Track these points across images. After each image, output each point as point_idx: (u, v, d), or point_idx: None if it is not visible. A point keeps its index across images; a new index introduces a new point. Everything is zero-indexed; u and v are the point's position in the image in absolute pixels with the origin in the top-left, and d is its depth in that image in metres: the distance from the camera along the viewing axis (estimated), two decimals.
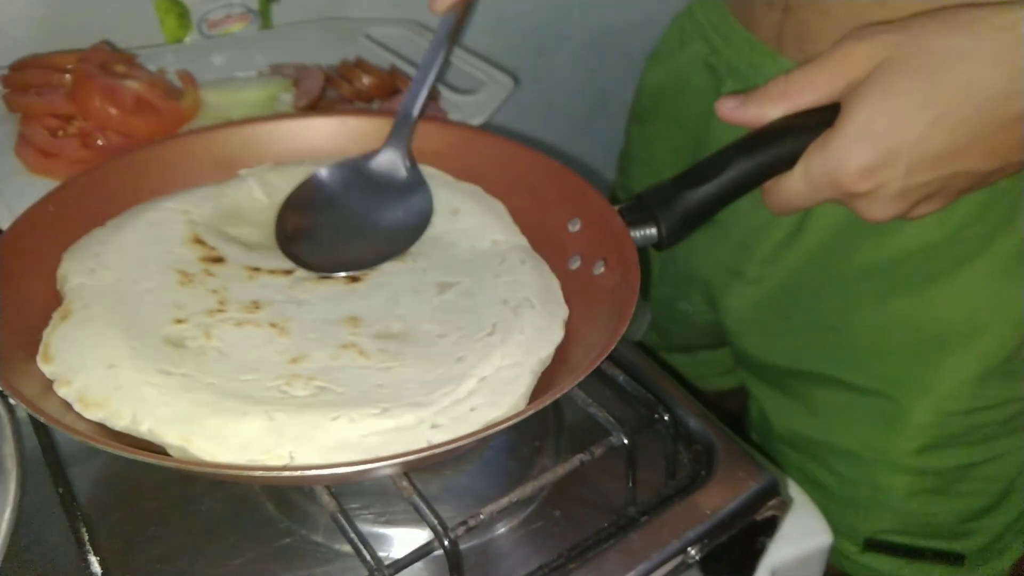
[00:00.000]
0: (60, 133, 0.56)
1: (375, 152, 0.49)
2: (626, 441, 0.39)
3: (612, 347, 0.36)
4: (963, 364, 0.53)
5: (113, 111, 0.56)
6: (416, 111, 0.49)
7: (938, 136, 0.41)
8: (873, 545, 0.59)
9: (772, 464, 0.44)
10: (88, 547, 0.34)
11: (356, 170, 0.48)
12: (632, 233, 0.42)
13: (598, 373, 0.43)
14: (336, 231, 0.46)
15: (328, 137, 0.51)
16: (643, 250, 0.43)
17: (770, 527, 0.43)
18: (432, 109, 0.63)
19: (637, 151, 0.74)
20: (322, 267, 0.44)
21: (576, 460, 0.39)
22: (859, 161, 0.41)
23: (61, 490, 0.35)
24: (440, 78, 0.66)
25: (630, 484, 0.40)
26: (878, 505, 0.58)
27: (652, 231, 0.43)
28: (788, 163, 0.43)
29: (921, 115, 0.41)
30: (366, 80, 0.64)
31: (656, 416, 0.41)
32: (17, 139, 0.56)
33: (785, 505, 0.43)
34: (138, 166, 0.47)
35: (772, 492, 0.42)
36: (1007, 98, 0.40)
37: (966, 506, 0.58)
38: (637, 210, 0.43)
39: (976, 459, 0.56)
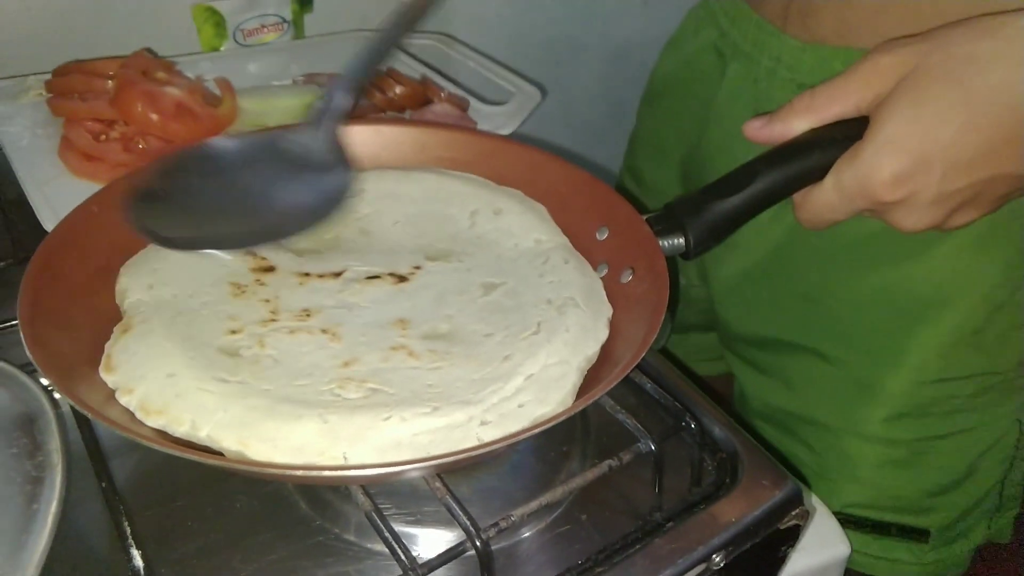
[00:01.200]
0: (102, 137, 0.57)
1: (292, 128, 0.45)
2: (653, 448, 0.40)
3: (642, 356, 0.37)
4: (933, 335, 0.55)
5: (154, 116, 0.57)
6: (341, 95, 0.45)
7: (971, 139, 0.41)
8: (843, 521, 0.58)
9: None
10: (130, 540, 0.35)
11: (260, 144, 0.44)
12: (660, 242, 0.43)
13: (626, 381, 0.43)
14: (212, 204, 0.42)
15: (361, 145, 0.51)
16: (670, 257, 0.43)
17: (792, 536, 0.44)
18: (462, 119, 0.64)
19: (645, 133, 0.76)
20: (180, 244, 0.41)
21: (604, 466, 0.39)
22: (891, 169, 0.41)
23: (104, 484, 0.37)
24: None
25: (656, 490, 0.41)
26: (848, 477, 0.59)
27: (680, 241, 0.44)
28: (815, 176, 0.44)
29: (952, 119, 0.41)
30: (398, 90, 0.65)
31: (683, 424, 0.42)
32: (61, 142, 0.57)
33: (808, 515, 0.44)
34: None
35: (796, 501, 0.43)
36: None
37: (931, 480, 0.59)
38: (665, 219, 0.44)
39: (942, 431, 0.57)
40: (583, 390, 0.39)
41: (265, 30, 0.76)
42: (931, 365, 0.55)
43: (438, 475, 0.37)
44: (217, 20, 0.74)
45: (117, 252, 0.44)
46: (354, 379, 0.38)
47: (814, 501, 0.50)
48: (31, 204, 0.52)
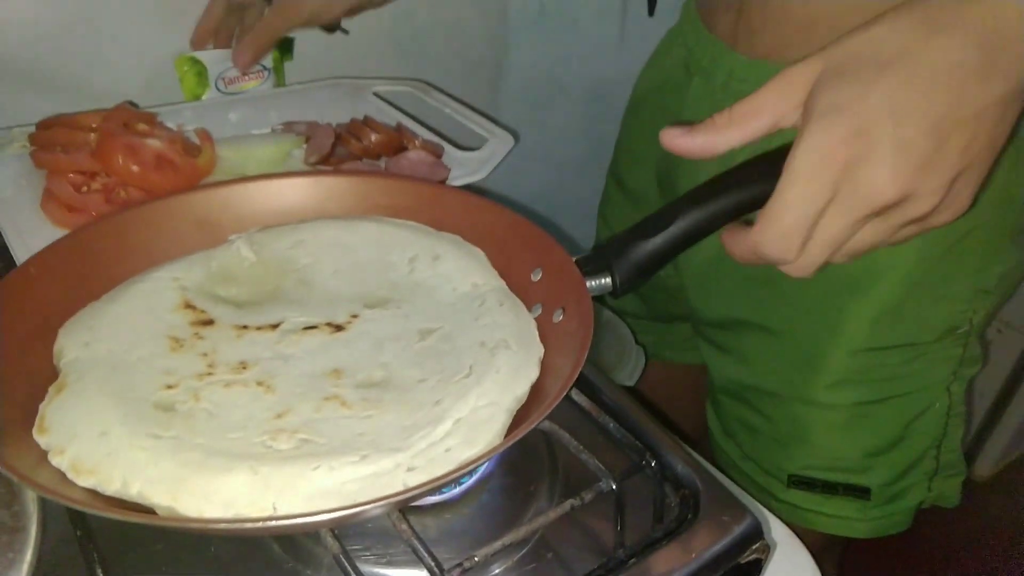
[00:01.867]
0: (84, 188, 0.58)
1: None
2: (614, 487, 0.41)
3: (565, 393, 0.38)
4: (862, 309, 0.61)
5: (135, 168, 0.59)
6: None
7: (914, 85, 0.38)
8: (796, 483, 0.67)
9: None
10: None
11: None
12: (588, 283, 0.45)
13: (590, 421, 0.45)
14: None
15: (303, 196, 0.54)
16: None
17: (755, 570, 0.45)
18: (436, 166, 0.66)
19: (626, 141, 0.84)
20: None
21: (567, 505, 0.41)
22: (836, 133, 0.39)
23: (79, 532, 0.38)
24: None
25: (618, 528, 0.42)
26: (798, 441, 0.67)
27: (607, 280, 0.46)
28: (735, 215, 0.46)
29: (882, 81, 0.39)
30: (374, 138, 0.67)
31: (643, 462, 0.44)
32: (43, 194, 0.58)
33: (769, 548, 0.45)
34: (119, 228, 0.49)
35: (756, 535, 0.44)
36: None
37: (869, 442, 0.65)
38: (594, 261, 0.46)
39: (877, 396, 0.64)
40: (514, 430, 0.39)
41: (246, 78, 0.78)
42: (862, 336, 0.61)
43: (404, 517, 0.38)
44: (199, 70, 0.76)
45: (55, 313, 0.44)
46: (286, 430, 0.39)
47: (785, 534, 0.51)
48: (12, 255, 0.54)
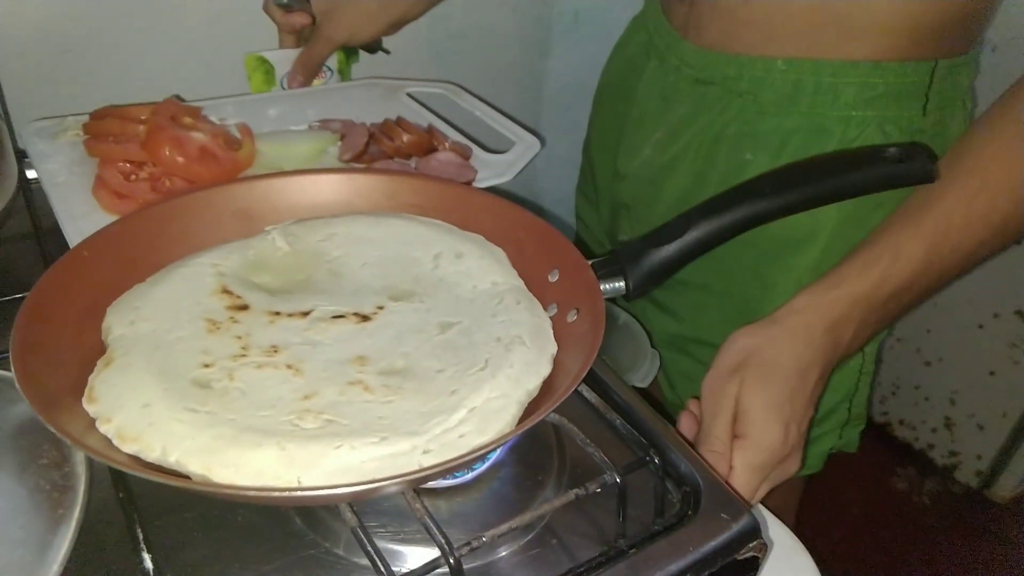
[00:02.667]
0: (132, 177, 0.62)
1: None
2: (618, 480, 0.43)
3: (573, 389, 0.40)
4: (791, 269, 0.69)
5: (180, 159, 0.62)
6: None
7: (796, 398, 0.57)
8: None
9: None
10: (142, 544, 0.39)
11: None
12: (602, 285, 0.47)
13: (598, 416, 0.47)
14: None
15: (336, 192, 0.56)
16: None
17: (752, 567, 0.47)
18: (463, 167, 0.69)
19: (595, 120, 0.90)
20: None
21: (572, 494, 0.43)
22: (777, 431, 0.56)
23: (121, 494, 0.41)
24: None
25: (620, 519, 0.44)
26: None
27: (620, 284, 0.48)
28: (743, 227, 0.48)
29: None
30: (405, 138, 0.70)
31: (647, 458, 0.46)
32: (95, 181, 0.62)
33: (765, 548, 0.47)
34: (165, 215, 0.53)
35: (753, 534, 0.46)
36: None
37: None
38: (609, 264, 0.49)
39: None
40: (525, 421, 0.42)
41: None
42: (788, 294, 0.64)
43: (419, 497, 0.41)
44: (267, 68, 0.80)
45: (104, 292, 0.48)
46: (312, 411, 0.41)
47: (785, 535, 0.53)
48: (65, 237, 0.58)
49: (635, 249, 0.49)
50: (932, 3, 0.62)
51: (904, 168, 0.54)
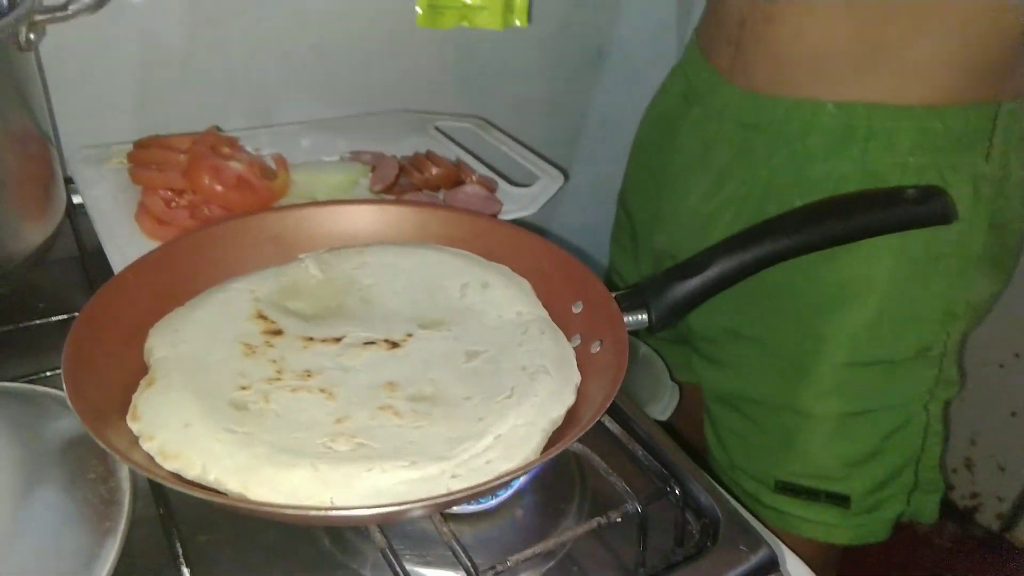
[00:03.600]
0: (173, 204, 0.65)
1: None
2: (639, 509, 0.44)
3: (597, 419, 0.41)
4: (840, 325, 0.67)
5: (219, 188, 0.65)
6: None
7: None
8: (782, 488, 0.71)
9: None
10: (181, 559, 0.41)
11: None
12: (625, 318, 0.48)
13: (620, 447, 0.49)
14: None
15: (368, 222, 0.59)
16: None
17: None
18: (489, 200, 0.71)
19: (633, 171, 0.90)
20: None
21: (594, 522, 0.44)
22: None
23: (162, 510, 0.43)
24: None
25: (641, 548, 0.45)
26: (785, 448, 0.71)
27: (643, 317, 0.49)
28: (765, 263, 0.49)
29: None
30: (434, 171, 0.72)
31: (668, 489, 0.47)
32: (138, 207, 0.65)
33: None
34: (204, 242, 0.55)
35: (771, 566, 0.47)
36: None
37: (849, 452, 0.70)
38: (632, 297, 0.50)
39: (856, 409, 0.69)
40: (549, 448, 0.43)
41: None
42: (843, 350, 0.67)
43: (445, 521, 0.42)
44: None
45: (147, 315, 0.50)
46: (345, 434, 0.43)
47: (802, 569, 0.54)
48: (110, 262, 0.60)
49: (658, 283, 0.50)
50: (994, 39, 0.60)
51: (923, 209, 0.55)
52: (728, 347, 0.75)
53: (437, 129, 0.84)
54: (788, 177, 0.67)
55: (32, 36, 0.52)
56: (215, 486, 0.40)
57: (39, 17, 0.53)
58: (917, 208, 0.54)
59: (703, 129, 0.74)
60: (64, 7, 0.55)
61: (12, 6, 0.55)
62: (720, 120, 0.72)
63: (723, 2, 0.73)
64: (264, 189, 0.68)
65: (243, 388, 0.46)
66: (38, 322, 0.58)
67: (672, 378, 0.80)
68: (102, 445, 0.39)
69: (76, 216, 0.68)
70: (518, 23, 0.86)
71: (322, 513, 0.39)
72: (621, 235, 0.93)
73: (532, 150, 0.82)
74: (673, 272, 0.50)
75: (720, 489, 0.51)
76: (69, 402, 0.40)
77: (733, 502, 0.50)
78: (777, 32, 0.66)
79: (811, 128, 0.65)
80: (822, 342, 0.68)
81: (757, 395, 0.72)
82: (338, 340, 0.50)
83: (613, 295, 0.50)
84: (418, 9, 0.83)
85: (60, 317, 0.57)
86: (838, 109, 0.64)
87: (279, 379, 0.47)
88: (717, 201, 0.72)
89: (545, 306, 0.53)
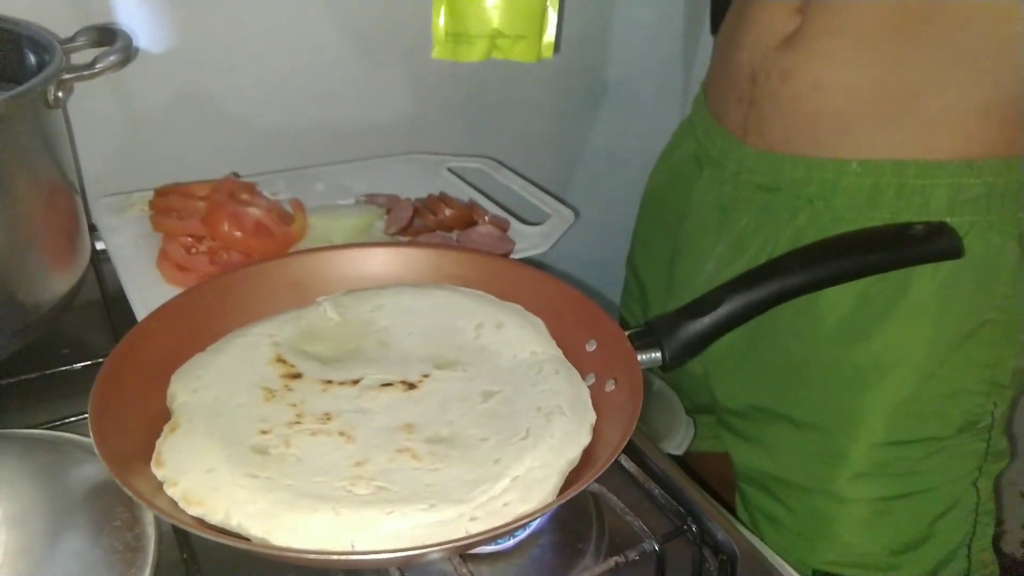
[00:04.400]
0: (193, 251, 0.66)
1: None
2: (657, 548, 0.45)
3: (614, 460, 0.42)
4: (877, 402, 0.62)
5: (238, 234, 0.66)
6: None
7: None
8: None
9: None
10: None
11: None
12: (639, 356, 0.49)
13: (637, 485, 0.49)
14: None
15: (383, 265, 0.60)
16: None
17: None
18: (502, 240, 0.72)
19: (641, 233, 0.88)
20: None
21: (612, 561, 0.44)
22: None
23: (185, 555, 0.43)
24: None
25: None
26: (821, 535, 0.66)
27: (657, 355, 0.50)
28: (777, 301, 0.50)
29: None
30: (447, 212, 0.73)
31: (685, 527, 0.47)
32: (159, 254, 0.66)
33: None
34: (224, 288, 0.56)
35: None
36: None
37: (893, 538, 0.65)
38: (645, 336, 0.50)
39: (899, 492, 0.64)
40: (566, 488, 0.44)
41: None
42: (879, 430, 0.62)
43: (464, 563, 0.43)
44: None
45: (169, 361, 0.51)
46: (364, 477, 0.44)
47: None
48: (132, 307, 0.61)
49: (670, 321, 0.51)
50: None
51: (931, 246, 0.55)
52: (757, 424, 0.70)
53: (449, 170, 0.86)
54: (812, 240, 0.61)
55: (60, 94, 0.54)
56: (238, 531, 0.41)
57: (67, 76, 0.55)
58: (925, 244, 0.55)
59: (718, 192, 0.70)
60: (91, 65, 0.57)
61: (40, 65, 0.57)
62: (735, 182, 0.68)
63: (731, 56, 0.69)
64: (282, 234, 0.69)
65: (264, 432, 0.47)
66: (62, 369, 0.59)
67: (687, 412, 0.80)
68: (127, 492, 0.39)
69: (99, 262, 0.69)
70: (546, 56, 0.78)
71: (344, 557, 0.39)
72: (631, 302, 0.90)
73: (541, 187, 0.83)
74: (685, 311, 0.51)
75: (738, 526, 0.51)
76: (96, 449, 0.41)
77: (751, 538, 0.50)
78: (793, 87, 0.62)
79: (835, 189, 0.61)
80: (857, 420, 0.63)
81: (788, 477, 0.68)
82: (356, 382, 0.51)
83: (626, 333, 0.50)
84: (435, 42, 0.76)
85: (84, 363, 0.59)
86: (863, 167, 0.60)
87: (299, 423, 0.48)
88: (737, 267, 0.67)
89: (559, 345, 0.54)
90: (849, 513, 0.64)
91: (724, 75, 0.70)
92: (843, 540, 0.65)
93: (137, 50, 0.74)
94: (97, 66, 0.57)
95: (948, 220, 0.58)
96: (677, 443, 0.75)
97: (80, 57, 0.61)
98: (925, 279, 0.60)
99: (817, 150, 0.62)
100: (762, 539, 0.70)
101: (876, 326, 0.61)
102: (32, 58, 0.59)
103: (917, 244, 0.55)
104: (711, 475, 0.88)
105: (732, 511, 0.73)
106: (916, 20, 0.57)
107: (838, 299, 0.62)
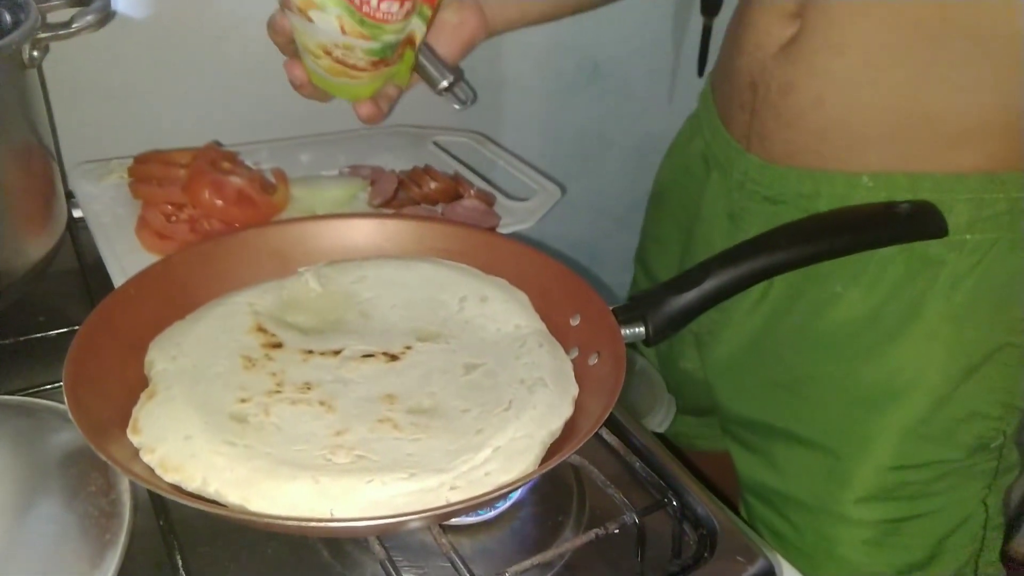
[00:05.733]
0: (173, 219, 0.65)
1: None
2: (637, 521, 0.45)
3: (595, 431, 0.42)
4: (887, 425, 0.60)
5: (219, 202, 0.65)
6: None
7: None
8: None
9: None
10: (181, 571, 0.41)
11: None
12: (623, 331, 0.49)
13: (618, 458, 0.49)
14: None
15: (367, 236, 0.59)
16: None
17: None
18: (487, 214, 0.71)
19: (652, 229, 0.85)
20: None
21: (592, 534, 0.45)
22: None
23: (161, 522, 0.43)
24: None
25: (638, 559, 0.46)
26: (825, 554, 0.64)
27: (640, 329, 0.50)
28: (762, 276, 0.50)
29: None
30: (433, 185, 0.73)
31: (665, 500, 0.47)
32: (138, 221, 0.65)
33: None
34: (204, 256, 0.55)
35: None
36: None
37: (900, 559, 0.63)
38: (629, 310, 0.50)
39: (907, 514, 0.62)
40: (547, 460, 0.43)
41: None
42: (888, 453, 0.60)
43: (444, 533, 0.43)
44: None
45: (147, 328, 0.50)
46: (344, 446, 0.43)
47: None
48: (109, 274, 0.60)
49: (655, 296, 0.51)
50: None
51: (916, 224, 0.54)
52: (761, 437, 0.68)
53: (435, 144, 0.85)
54: None
55: (36, 53, 0.53)
56: (216, 498, 0.41)
57: (43, 35, 0.54)
58: (911, 223, 0.55)
59: (727, 199, 0.67)
60: (67, 24, 0.56)
61: (16, 23, 0.55)
62: (741, 191, 0.65)
63: (733, 59, 0.65)
64: (264, 203, 0.68)
65: (243, 401, 0.46)
66: (38, 336, 0.58)
67: (669, 390, 0.80)
68: (103, 458, 0.39)
69: (76, 230, 0.68)
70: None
71: (322, 524, 0.39)
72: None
73: (529, 164, 0.83)
74: (669, 285, 0.51)
75: (717, 500, 0.52)
76: (70, 415, 0.40)
77: (730, 513, 0.51)
78: (795, 102, 0.58)
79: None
80: (865, 443, 0.60)
81: (793, 494, 0.65)
82: (337, 353, 0.51)
83: (611, 308, 0.50)
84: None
85: (60, 331, 0.58)
86: (875, 181, 0.56)
87: (279, 392, 0.47)
88: None
89: (543, 319, 0.53)
90: (855, 534, 0.63)
91: (727, 78, 0.67)
92: (848, 560, 0.63)
93: (115, 13, 0.72)
94: (74, 25, 0.56)
95: (968, 237, 0.55)
96: (659, 421, 0.75)
97: (57, 17, 0.59)
98: (940, 301, 0.57)
99: (824, 163, 0.58)
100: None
101: (886, 346, 0.59)
102: (7, 16, 0.57)
103: (903, 223, 0.54)
104: (718, 475, 0.87)
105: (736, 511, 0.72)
106: (930, 42, 0.52)
107: (845, 316, 0.60)
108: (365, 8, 0.52)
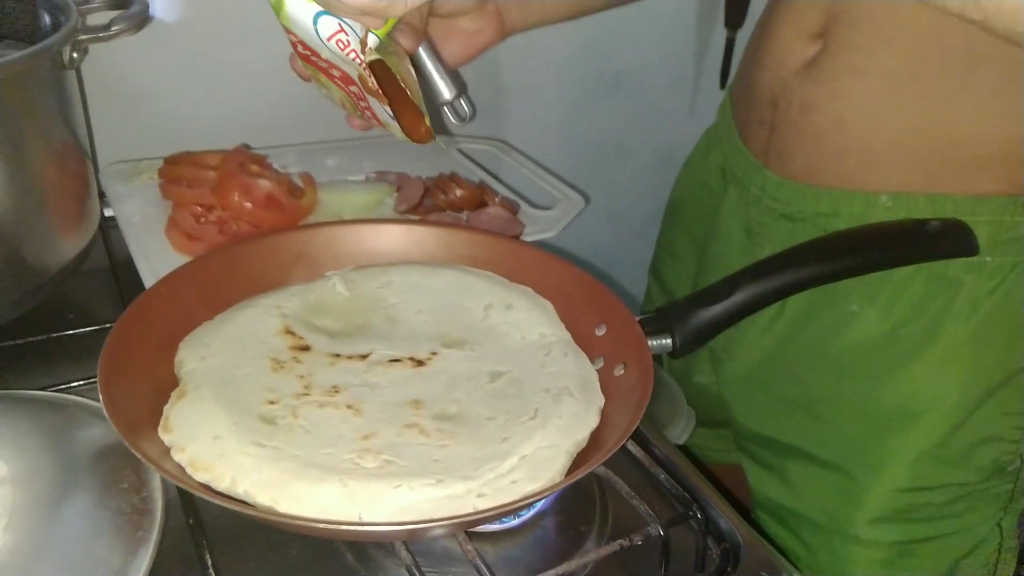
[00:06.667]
0: (202, 220, 0.66)
1: None
2: (662, 532, 0.45)
3: (623, 443, 0.42)
4: (903, 447, 0.60)
5: (248, 205, 0.66)
6: None
7: None
8: None
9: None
10: (211, 569, 0.41)
11: None
12: (650, 342, 0.49)
13: (642, 470, 0.49)
14: None
15: (394, 242, 0.60)
16: None
17: None
18: (512, 222, 0.72)
19: (666, 240, 0.85)
20: None
21: (616, 544, 0.45)
22: None
23: (191, 520, 0.43)
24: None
25: (662, 571, 0.46)
26: (837, 575, 0.64)
27: (667, 341, 0.50)
28: (789, 291, 0.50)
29: None
30: (458, 192, 0.73)
31: (690, 513, 0.47)
32: (168, 222, 0.66)
33: None
34: (234, 257, 0.56)
35: None
36: None
37: None
38: (656, 322, 0.50)
39: (921, 536, 0.62)
40: (572, 470, 0.44)
41: None
42: (903, 476, 0.60)
43: (470, 540, 0.43)
44: None
45: (177, 328, 0.51)
46: (372, 451, 0.44)
47: None
48: (139, 274, 0.61)
49: (682, 308, 0.51)
50: None
51: (947, 243, 0.54)
52: (778, 457, 0.68)
53: (460, 151, 0.86)
54: None
55: (75, 55, 0.54)
56: (244, 498, 0.41)
57: (83, 37, 0.54)
58: (940, 241, 0.54)
59: (744, 214, 0.67)
60: (107, 27, 0.57)
61: (56, 26, 0.56)
62: (758, 207, 0.65)
63: (753, 75, 0.65)
64: (292, 207, 0.69)
65: (271, 403, 0.47)
66: (68, 333, 0.59)
67: (688, 403, 0.80)
68: (136, 454, 0.39)
69: (107, 229, 0.69)
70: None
71: (352, 528, 0.39)
72: (649, 306, 0.88)
73: (552, 172, 0.83)
74: (697, 298, 0.51)
75: (739, 516, 0.52)
76: (105, 412, 0.41)
77: (752, 530, 0.51)
78: (815, 121, 0.58)
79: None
80: (880, 465, 0.60)
81: (805, 512, 0.65)
82: (364, 357, 0.51)
83: (637, 319, 0.50)
84: None
85: (90, 328, 0.59)
86: (894, 201, 0.57)
87: (307, 394, 0.48)
88: None
89: (568, 328, 0.54)
90: (868, 555, 0.62)
91: (746, 92, 0.67)
92: None
93: (152, 17, 0.73)
94: (113, 28, 0.57)
95: (988, 260, 0.55)
96: (678, 433, 0.75)
97: (96, 20, 0.60)
98: (959, 323, 0.57)
99: (843, 182, 0.58)
100: None
101: (903, 368, 0.59)
102: (47, 18, 0.58)
103: (933, 241, 0.54)
104: (734, 487, 0.86)
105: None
106: (957, 70, 0.53)
107: (862, 336, 0.60)
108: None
